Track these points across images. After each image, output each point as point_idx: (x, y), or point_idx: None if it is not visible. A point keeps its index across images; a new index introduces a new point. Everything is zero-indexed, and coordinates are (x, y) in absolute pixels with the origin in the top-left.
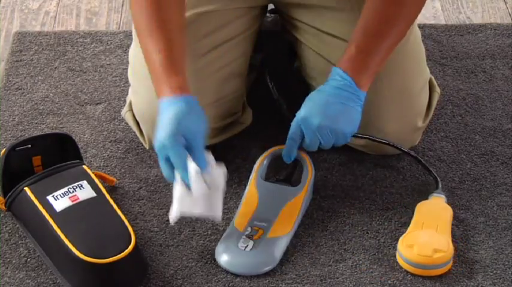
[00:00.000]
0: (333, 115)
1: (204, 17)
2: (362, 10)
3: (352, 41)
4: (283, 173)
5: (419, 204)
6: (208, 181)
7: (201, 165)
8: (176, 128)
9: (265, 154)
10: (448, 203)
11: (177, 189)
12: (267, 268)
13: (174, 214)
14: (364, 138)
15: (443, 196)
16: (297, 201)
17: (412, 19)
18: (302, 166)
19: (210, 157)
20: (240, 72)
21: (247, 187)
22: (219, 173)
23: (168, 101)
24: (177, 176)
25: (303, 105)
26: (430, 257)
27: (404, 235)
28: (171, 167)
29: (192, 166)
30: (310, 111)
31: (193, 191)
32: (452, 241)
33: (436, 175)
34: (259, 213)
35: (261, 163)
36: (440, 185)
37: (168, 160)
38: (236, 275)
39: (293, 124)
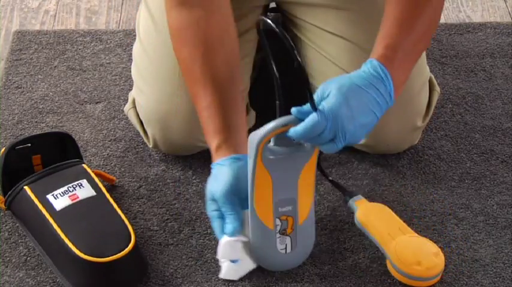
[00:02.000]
0: (363, 126)
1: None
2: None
3: (388, 44)
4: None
5: (359, 215)
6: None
7: (227, 231)
8: (235, 186)
9: (266, 136)
10: (448, 202)
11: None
12: (308, 255)
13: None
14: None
15: (360, 196)
16: (311, 163)
17: (439, 13)
18: None
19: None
20: (245, 72)
21: (252, 168)
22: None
23: (219, 162)
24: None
25: (336, 92)
26: (436, 266)
27: (389, 251)
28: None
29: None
30: (342, 109)
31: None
32: (452, 240)
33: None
34: (278, 194)
35: (263, 145)
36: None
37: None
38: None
39: (319, 114)
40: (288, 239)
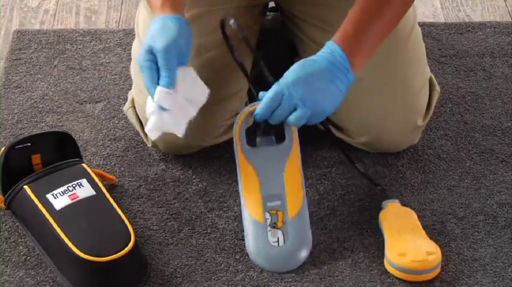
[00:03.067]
0: (320, 90)
1: (206, 15)
2: None
3: (350, 20)
4: (261, 130)
5: (382, 213)
6: (181, 97)
7: (164, 83)
8: (150, 44)
9: (239, 123)
10: (448, 201)
11: (149, 104)
12: (306, 254)
13: (147, 129)
14: (326, 129)
15: (397, 201)
16: (293, 158)
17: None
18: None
19: (191, 74)
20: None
21: (238, 162)
22: (200, 90)
23: (154, 20)
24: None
25: (290, 70)
26: (425, 262)
27: (387, 245)
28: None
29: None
30: (297, 79)
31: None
32: (452, 239)
33: (382, 187)
34: (265, 190)
35: (239, 133)
36: (388, 194)
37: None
38: (235, 274)
39: (275, 86)
40: (279, 233)
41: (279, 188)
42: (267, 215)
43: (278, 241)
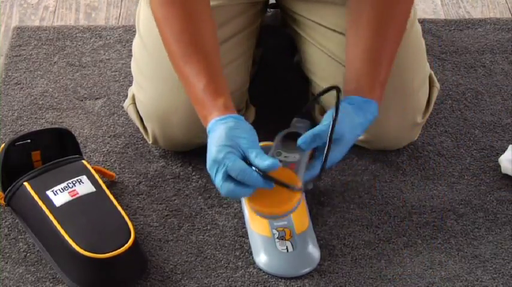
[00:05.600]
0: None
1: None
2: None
3: (356, 69)
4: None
5: None
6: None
7: (273, 165)
8: (230, 139)
9: None
10: (448, 198)
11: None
12: (318, 255)
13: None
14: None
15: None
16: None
17: (407, 14)
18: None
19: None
20: (244, 68)
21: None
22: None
23: (216, 121)
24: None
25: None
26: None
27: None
28: (233, 181)
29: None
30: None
31: None
32: (452, 236)
33: None
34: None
35: None
36: None
37: (228, 176)
38: (235, 270)
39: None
40: (287, 243)
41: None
42: (274, 231)
43: (287, 249)
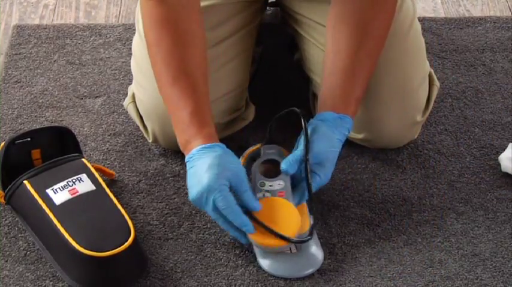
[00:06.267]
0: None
1: (206, 11)
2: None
3: (331, 83)
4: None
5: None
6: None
7: (255, 206)
8: (221, 171)
9: (241, 162)
10: (448, 196)
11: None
12: (312, 270)
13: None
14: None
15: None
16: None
17: (387, 30)
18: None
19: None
20: (244, 66)
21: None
22: None
23: (202, 148)
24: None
25: (314, 146)
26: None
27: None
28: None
29: None
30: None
31: None
32: (451, 234)
33: None
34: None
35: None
36: None
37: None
38: (235, 269)
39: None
40: (291, 245)
41: None
42: None
43: (290, 250)
